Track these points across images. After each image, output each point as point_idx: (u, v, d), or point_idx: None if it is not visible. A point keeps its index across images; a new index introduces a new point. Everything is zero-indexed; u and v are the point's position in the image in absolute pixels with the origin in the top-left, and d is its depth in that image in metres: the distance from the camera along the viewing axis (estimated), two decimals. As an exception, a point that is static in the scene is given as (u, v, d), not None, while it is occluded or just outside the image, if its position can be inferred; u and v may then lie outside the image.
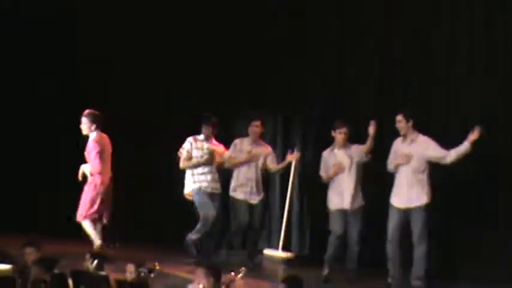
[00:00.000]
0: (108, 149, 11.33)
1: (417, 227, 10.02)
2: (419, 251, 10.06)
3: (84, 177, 11.35)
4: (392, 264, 10.16)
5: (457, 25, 11.37)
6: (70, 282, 8.87)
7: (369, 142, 10.34)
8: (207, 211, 11.22)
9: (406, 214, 10.09)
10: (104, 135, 11.27)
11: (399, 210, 10.11)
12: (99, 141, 11.15)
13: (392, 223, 10.16)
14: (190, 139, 11.27)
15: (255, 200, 11.32)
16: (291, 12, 12.65)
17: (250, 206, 11.32)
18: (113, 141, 11.53)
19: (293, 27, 12.53)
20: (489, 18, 11.08)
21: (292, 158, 11.28)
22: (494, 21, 11.06)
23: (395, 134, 10.35)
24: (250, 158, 11.22)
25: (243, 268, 9.17)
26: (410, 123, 10.05)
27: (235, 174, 11.35)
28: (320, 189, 11.30)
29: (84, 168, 11.28)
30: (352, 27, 12.29)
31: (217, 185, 11.39)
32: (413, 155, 10.02)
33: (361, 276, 10.60)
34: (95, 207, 11.20)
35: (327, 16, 12.40)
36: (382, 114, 11.05)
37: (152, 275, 8.89)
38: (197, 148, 11.30)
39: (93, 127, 11.10)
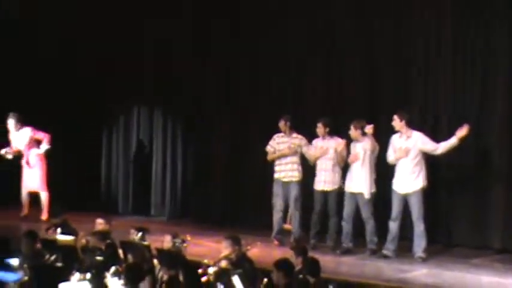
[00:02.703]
0: None
1: (415, 208, 10.91)
2: (418, 228, 10.91)
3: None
4: (392, 239, 11.03)
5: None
6: (120, 251, 9.86)
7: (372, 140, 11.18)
8: (275, 202, 12.13)
9: (406, 197, 10.97)
10: None
11: (400, 194, 11.01)
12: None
13: (396, 206, 11.05)
14: (274, 136, 12.16)
15: (329, 188, 11.79)
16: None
17: (325, 194, 11.83)
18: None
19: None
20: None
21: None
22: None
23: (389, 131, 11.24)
24: (322, 152, 11.72)
25: (258, 243, 10.35)
26: (403, 122, 10.95)
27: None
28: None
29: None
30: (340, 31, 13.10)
31: (295, 173, 12.08)
32: (411, 149, 10.94)
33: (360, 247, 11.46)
34: None
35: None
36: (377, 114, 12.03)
37: (185, 245, 9.89)
38: (278, 143, 12.12)
39: (19, 125, 13.55)
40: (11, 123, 13.65)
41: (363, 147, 11.28)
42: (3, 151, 13.68)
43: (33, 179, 13.73)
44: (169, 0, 14.59)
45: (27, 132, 13.63)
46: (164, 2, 14.58)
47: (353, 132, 11.32)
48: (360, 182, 11.31)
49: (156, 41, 14.95)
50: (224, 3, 14.10)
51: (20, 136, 13.70)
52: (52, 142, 13.69)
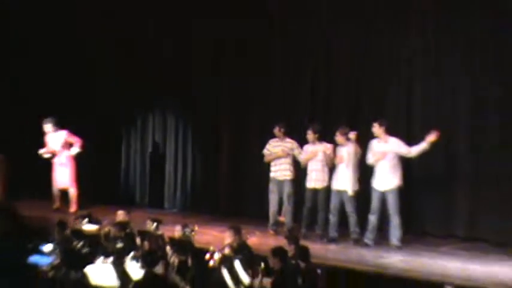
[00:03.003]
0: None
1: (391, 203, 11.08)
2: (394, 220, 11.08)
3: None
4: (372, 230, 11.23)
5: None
6: (137, 239, 9.92)
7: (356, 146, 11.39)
8: (271, 197, 12.17)
9: (384, 194, 11.15)
10: None
11: (379, 191, 11.21)
12: None
13: (375, 201, 11.23)
14: (270, 141, 12.23)
15: (318, 185, 11.82)
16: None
17: (315, 191, 11.86)
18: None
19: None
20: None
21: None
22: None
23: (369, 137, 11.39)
24: (312, 155, 11.80)
25: (256, 232, 10.48)
26: (383, 128, 11.17)
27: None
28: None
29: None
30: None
31: (288, 172, 12.12)
32: (388, 152, 11.17)
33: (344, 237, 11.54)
34: None
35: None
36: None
37: (193, 234, 10.06)
38: (273, 146, 12.18)
39: (55, 127, 13.70)
40: (48, 126, 13.83)
41: (347, 151, 11.41)
42: (41, 151, 13.90)
43: (64, 176, 13.92)
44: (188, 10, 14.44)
45: (63, 135, 13.84)
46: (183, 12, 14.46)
47: (339, 137, 11.47)
48: (345, 180, 11.43)
49: (172, 52, 14.83)
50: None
51: (55, 138, 13.88)
52: (83, 146, 13.88)
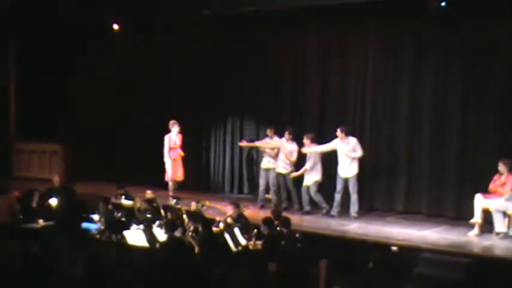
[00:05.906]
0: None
1: (351, 185, 11.05)
2: (353, 198, 11.05)
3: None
4: (337, 205, 11.19)
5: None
6: (162, 211, 10.10)
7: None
8: (261, 181, 11.98)
9: (346, 179, 11.10)
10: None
11: (342, 177, 11.16)
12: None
13: (339, 184, 11.18)
14: (266, 138, 12.07)
15: (286, 171, 11.75)
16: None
17: (283, 176, 11.80)
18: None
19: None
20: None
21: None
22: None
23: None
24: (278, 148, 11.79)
25: (250, 206, 10.36)
26: (344, 133, 11.07)
27: None
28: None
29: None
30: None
31: (271, 164, 11.88)
32: (350, 149, 11.11)
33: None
34: None
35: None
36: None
37: (204, 208, 10.11)
38: (266, 142, 12.01)
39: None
40: (175, 129, 12.52)
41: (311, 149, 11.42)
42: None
43: (180, 171, 12.71)
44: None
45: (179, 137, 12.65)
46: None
47: (305, 140, 11.44)
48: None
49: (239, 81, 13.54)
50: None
51: (177, 138, 12.54)
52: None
